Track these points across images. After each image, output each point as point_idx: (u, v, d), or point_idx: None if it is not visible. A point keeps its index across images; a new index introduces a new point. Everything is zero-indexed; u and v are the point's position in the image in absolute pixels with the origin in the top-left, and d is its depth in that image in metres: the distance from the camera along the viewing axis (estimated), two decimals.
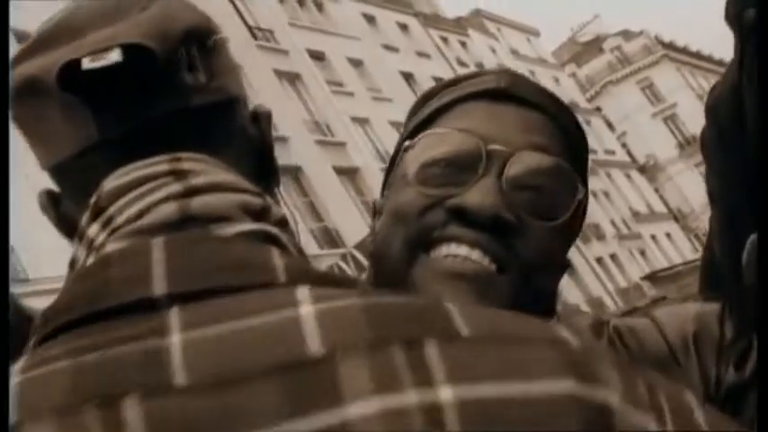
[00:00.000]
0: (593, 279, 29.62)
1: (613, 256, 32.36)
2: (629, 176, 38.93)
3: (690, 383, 0.73)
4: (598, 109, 42.89)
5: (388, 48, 27.48)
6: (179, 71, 0.61)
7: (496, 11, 40.43)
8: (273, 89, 20.66)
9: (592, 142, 37.04)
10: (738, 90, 0.67)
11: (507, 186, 0.73)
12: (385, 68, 26.36)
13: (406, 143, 0.79)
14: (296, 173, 19.19)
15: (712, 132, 0.73)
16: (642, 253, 34.91)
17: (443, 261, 0.72)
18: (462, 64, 31.05)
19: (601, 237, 32.25)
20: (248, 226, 0.55)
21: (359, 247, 18.53)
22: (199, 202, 0.55)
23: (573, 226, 0.79)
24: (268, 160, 0.71)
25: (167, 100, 0.60)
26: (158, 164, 0.58)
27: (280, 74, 21.67)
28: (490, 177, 0.73)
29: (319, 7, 25.64)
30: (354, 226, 18.91)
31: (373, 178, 22.58)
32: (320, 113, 22.15)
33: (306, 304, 0.47)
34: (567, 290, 27.44)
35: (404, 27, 29.33)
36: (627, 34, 47.22)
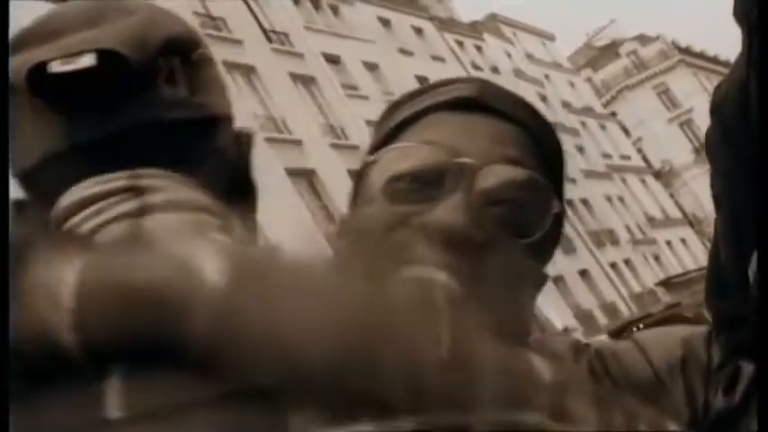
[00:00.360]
0: (606, 284, 29.49)
1: (628, 262, 32.21)
2: (644, 182, 38.76)
3: (676, 409, 0.71)
4: (614, 114, 42.73)
5: (403, 51, 27.49)
6: (156, 82, 0.59)
7: (512, 15, 40.35)
8: (288, 92, 20.70)
9: (607, 147, 36.73)
10: (745, 88, 0.65)
11: (478, 202, 0.68)
12: (400, 72, 26.37)
13: (371, 158, 0.76)
14: (310, 176, 19.22)
15: (717, 132, 0.71)
16: (657, 258, 34.73)
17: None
18: (477, 68, 31.01)
19: (615, 242, 32.11)
20: None
21: None
22: (151, 223, 0.53)
23: (550, 241, 0.75)
24: (246, 183, 0.69)
25: (141, 111, 0.58)
26: (117, 180, 0.55)
27: (295, 77, 21.71)
28: (459, 193, 0.68)
29: (335, 10, 25.68)
30: None
31: None
32: (335, 117, 22.18)
33: None
34: (581, 294, 27.34)
35: (419, 31, 29.33)
36: (643, 39, 47.04)
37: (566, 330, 23.67)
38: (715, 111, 0.71)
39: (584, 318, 26.20)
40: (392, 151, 0.73)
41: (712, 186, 0.73)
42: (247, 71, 20.30)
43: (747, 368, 0.72)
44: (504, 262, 0.68)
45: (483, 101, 0.74)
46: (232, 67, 19.80)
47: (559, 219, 0.75)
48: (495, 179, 0.69)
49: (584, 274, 28.49)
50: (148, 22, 0.60)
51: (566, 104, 36.60)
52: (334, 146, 20.55)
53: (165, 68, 0.60)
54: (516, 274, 0.70)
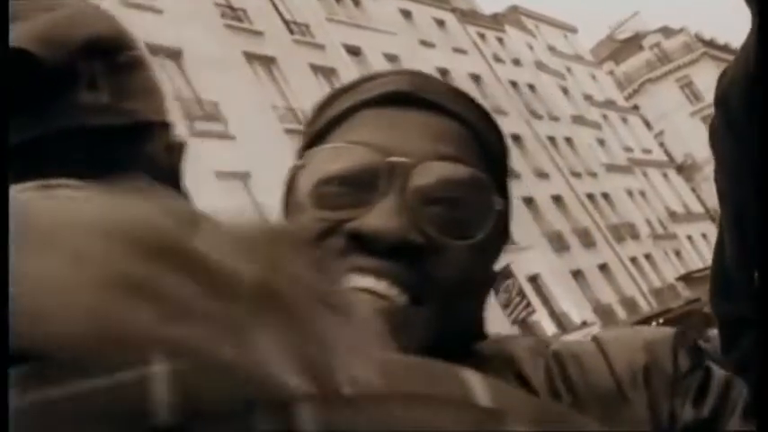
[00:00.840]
0: (626, 279, 29.33)
1: (648, 256, 32.00)
2: (665, 176, 38.46)
3: (636, 419, 0.66)
4: (636, 107, 42.42)
5: (424, 43, 27.42)
6: (75, 86, 0.56)
7: (534, 7, 40.14)
8: (309, 84, 20.72)
9: (629, 140, 36.48)
10: (752, 75, 0.62)
11: (413, 203, 0.63)
12: (421, 64, 26.29)
13: (299, 162, 0.70)
14: None
15: (722, 122, 0.67)
16: (677, 253, 34.49)
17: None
18: (499, 60, 30.87)
19: (636, 236, 31.90)
20: None
21: None
22: None
23: (495, 240, 0.70)
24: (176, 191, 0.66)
25: (60, 116, 0.55)
26: (25, 191, 0.51)
27: (316, 68, 21.72)
28: (393, 195, 0.63)
29: (356, 2, 25.65)
30: None
31: None
32: None
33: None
34: (600, 289, 27.22)
35: (440, 23, 29.24)
36: (666, 31, 46.63)
37: (584, 324, 23.59)
38: (720, 99, 0.68)
39: (604, 312, 26.07)
40: (319, 153, 0.68)
41: (716, 180, 0.70)
42: (268, 62, 20.32)
43: (718, 375, 0.68)
44: (449, 265, 0.64)
45: (416, 94, 0.69)
46: (253, 57, 19.82)
47: (504, 216, 0.71)
48: (431, 177, 0.64)
49: (603, 268, 28.35)
50: (66, 21, 0.56)
51: (587, 97, 36.36)
52: None
53: (86, 71, 0.56)
54: (460, 276, 0.65)
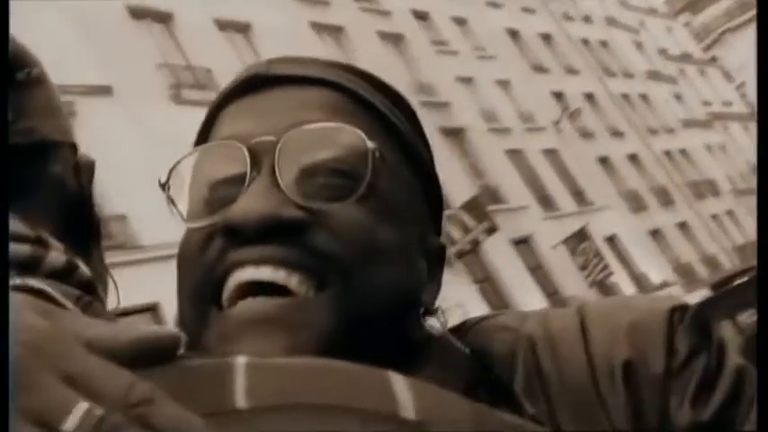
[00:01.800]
0: (707, 237, 28.62)
1: (730, 213, 31.13)
2: (747, 129, 37.21)
3: (614, 425, 0.57)
4: (714, 59, 41.04)
5: (492, 4, 27.00)
6: None
7: None
8: (376, 51, 20.66)
9: (707, 94, 35.47)
10: None
11: (285, 179, 0.58)
12: (489, 26, 25.93)
13: (185, 174, 0.65)
14: None
15: None
16: None
17: (235, 310, 0.56)
18: (569, 18, 30.20)
19: (716, 193, 31.04)
20: None
21: (465, 207, 18.52)
22: None
23: (397, 195, 0.62)
24: (87, 213, 0.65)
25: None
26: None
27: (383, 35, 21.63)
28: (262, 177, 0.58)
29: None
30: (459, 187, 18.83)
31: (479, 138, 22.36)
32: (424, 74, 22.03)
33: None
34: (680, 248, 26.64)
35: None
36: None
37: (664, 284, 23.16)
38: None
39: (684, 272, 25.54)
40: (193, 158, 0.64)
41: None
42: (335, 31, 20.32)
43: (730, 362, 0.58)
44: (334, 232, 0.57)
45: (272, 73, 0.64)
46: (321, 28, 19.85)
47: (380, 161, 0.61)
48: (295, 146, 0.59)
49: (682, 226, 27.72)
50: None
51: (662, 51, 35.33)
52: (424, 103, 20.44)
53: None
54: (355, 241, 0.58)
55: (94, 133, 13.21)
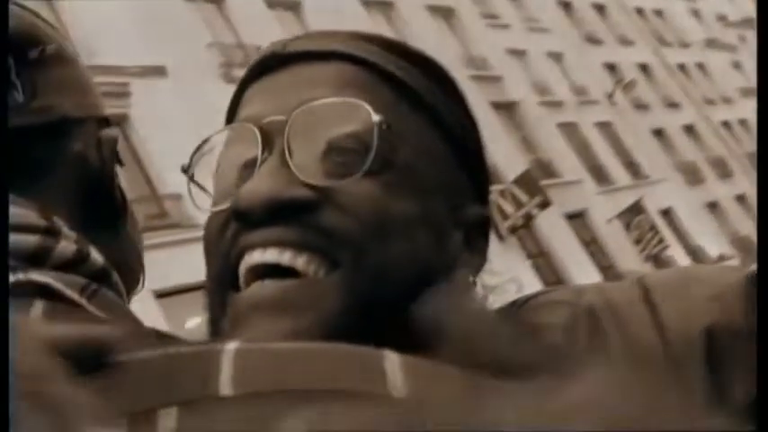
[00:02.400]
0: None
1: None
2: None
3: (688, 397, 0.53)
4: None
5: None
6: None
7: None
8: (426, 25, 20.52)
9: None
10: None
11: (295, 158, 0.56)
12: None
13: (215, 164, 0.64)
14: None
15: None
16: None
17: (245, 294, 0.56)
18: None
19: None
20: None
21: (518, 182, 18.37)
22: None
23: (410, 167, 0.59)
24: (110, 190, 0.63)
25: None
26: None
27: (433, 9, 21.46)
28: (273, 158, 0.57)
29: None
30: (512, 161, 18.68)
31: (531, 112, 22.12)
32: (475, 48, 21.83)
33: None
34: (738, 220, 26.04)
35: None
36: None
37: (721, 258, 22.68)
38: None
39: (742, 245, 24.98)
40: (217, 147, 0.63)
41: None
42: (385, 7, 20.23)
43: None
44: (345, 209, 0.55)
45: (287, 51, 0.63)
46: (370, 4, 19.78)
47: (390, 133, 0.59)
48: (302, 124, 0.57)
49: (741, 199, 27.09)
50: None
51: (721, 18, 34.37)
52: (475, 77, 20.27)
53: None
54: (366, 217, 0.56)
55: (149, 113, 13.42)
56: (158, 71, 14.69)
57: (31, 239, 0.52)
